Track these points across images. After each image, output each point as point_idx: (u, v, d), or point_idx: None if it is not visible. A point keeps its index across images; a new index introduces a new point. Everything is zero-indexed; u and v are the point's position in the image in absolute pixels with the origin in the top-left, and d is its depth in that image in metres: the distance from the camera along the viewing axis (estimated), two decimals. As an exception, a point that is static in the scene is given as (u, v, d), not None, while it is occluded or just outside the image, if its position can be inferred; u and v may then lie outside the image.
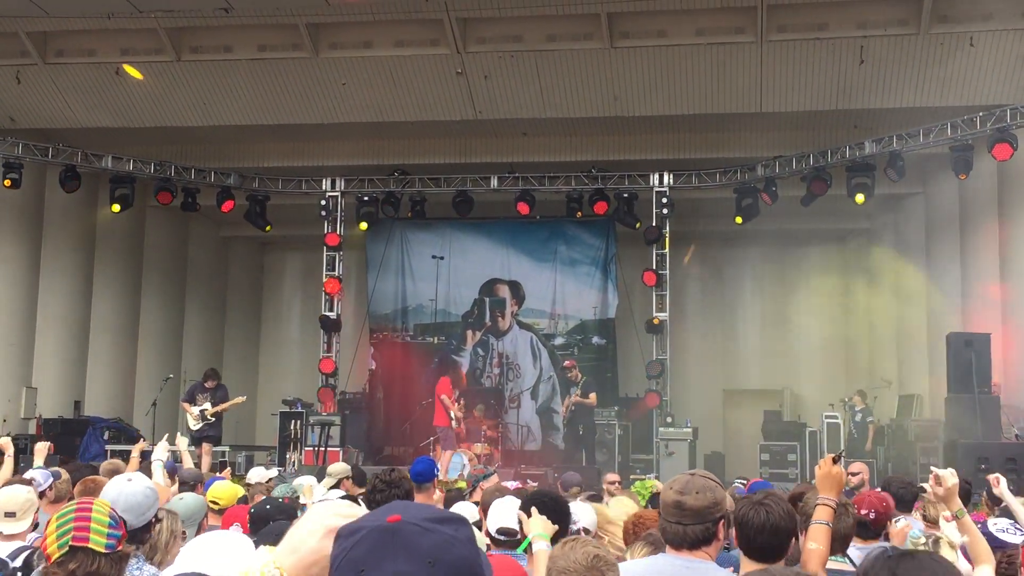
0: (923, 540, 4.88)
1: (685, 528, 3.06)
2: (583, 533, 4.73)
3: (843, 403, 18.35)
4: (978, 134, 15.61)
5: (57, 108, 18.45)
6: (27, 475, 6.74)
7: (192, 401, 15.34)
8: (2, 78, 17.79)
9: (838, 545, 4.25)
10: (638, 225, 19.04)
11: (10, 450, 8.14)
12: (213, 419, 15.51)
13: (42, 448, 8.38)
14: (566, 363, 18.21)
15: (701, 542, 3.08)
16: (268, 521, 5.30)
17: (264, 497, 6.04)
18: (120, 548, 3.15)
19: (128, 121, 18.73)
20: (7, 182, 17.34)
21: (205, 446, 15.40)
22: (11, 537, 4.80)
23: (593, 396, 17.05)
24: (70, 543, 3.04)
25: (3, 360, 18.56)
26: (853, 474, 9.06)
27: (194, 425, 15.50)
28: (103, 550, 3.06)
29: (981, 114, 15.54)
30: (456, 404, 16.25)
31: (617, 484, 9.35)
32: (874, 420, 18.15)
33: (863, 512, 4.92)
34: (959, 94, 16.54)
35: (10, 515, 4.88)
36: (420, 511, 1.65)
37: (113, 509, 3.25)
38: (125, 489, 3.94)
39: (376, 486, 4.96)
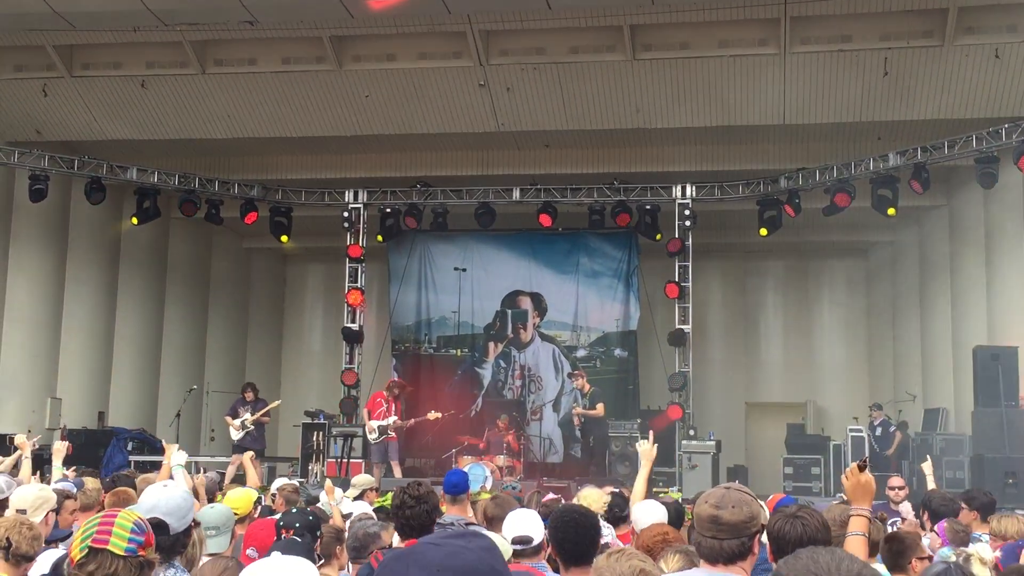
0: (953, 558, 4.84)
1: (721, 543, 3.04)
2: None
3: (867, 422, 18.18)
4: (1003, 145, 15.50)
5: (83, 121, 18.60)
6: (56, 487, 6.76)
7: (235, 415, 16.13)
8: (29, 91, 17.95)
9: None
10: (658, 237, 19.03)
11: (28, 450, 8.15)
12: (252, 428, 16.01)
13: (60, 448, 8.26)
14: (575, 371, 18.25)
15: (737, 557, 3.05)
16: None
17: (296, 510, 6.04)
18: (143, 555, 3.15)
19: (153, 133, 18.87)
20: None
21: (251, 458, 15.61)
22: None
23: (600, 407, 16.86)
24: (89, 545, 3.06)
25: (28, 371, 18.68)
26: (899, 487, 8.98)
27: (235, 436, 16.05)
28: (122, 553, 3.07)
29: (1007, 126, 15.42)
30: (385, 409, 16.42)
31: None
32: (895, 428, 18.00)
33: None
34: (984, 106, 16.44)
35: (21, 512, 4.93)
36: (441, 535, 1.84)
37: (140, 518, 3.25)
38: (163, 495, 3.96)
39: (405, 501, 4.92)
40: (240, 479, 13.04)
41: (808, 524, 3.81)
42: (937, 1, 15.36)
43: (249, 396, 16.58)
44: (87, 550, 3.05)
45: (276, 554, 2.90)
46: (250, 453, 10.51)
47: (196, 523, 4.12)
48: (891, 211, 17.03)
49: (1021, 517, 6.22)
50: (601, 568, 3.35)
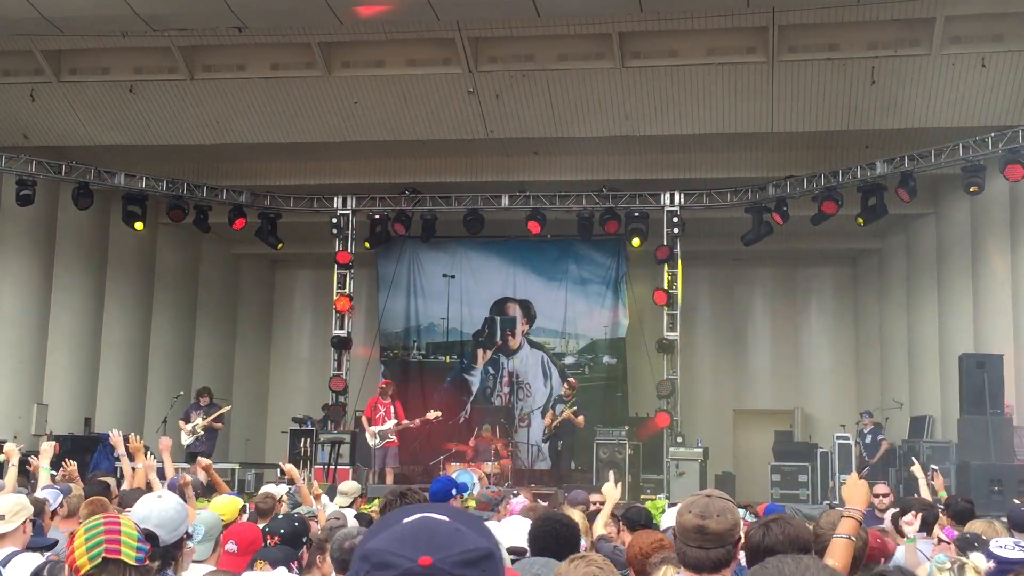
0: (948, 566, 4.86)
1: (708, 552, 3.05)
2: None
3: (856, 428, 18.18)
4: (990, 154, 15.59)
5: (71, 125, 18.55)
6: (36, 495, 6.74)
7: (187, 420, 16.03)
8: (16, 96, 17.91)
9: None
10: (636, 242, 19.04)
11: (15, 458, 8.10)
12: (203, 433, 15.91)
13: (48, 448, 8.16)
14: (570, 379, 18.27)
15: (723, 564, 3.07)
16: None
17: (282, 515, 6.03)
18: (147, 563, 3.17)
19: (141, 139, 18.83)
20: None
21: (207, 467, 15.42)
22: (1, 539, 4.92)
23: (581, 419, 17.04)
24: (103, 555, 3.05)
25: (14, 377, 18.60)
26: (884, 495, 9.00)
27: (186, 441, 15.94)
28: (133, 563, 3.07)
29: (993, 135, 15.51)
30: (383, 413, 16.34)
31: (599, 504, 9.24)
32: (885, 437, 18.03)
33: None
34: (971, 115, 16.52)
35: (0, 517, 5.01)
36: (451, 548, 1.65)
37: (139, 527, 3.25)
38: (156, 505, 3.95)
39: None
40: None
41: (786, 533, 3.82)
42: (924, 10, 15.44)
43: (204, 401, 16.51)
44: (99, 559, 3.04)
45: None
46: (204, 461, 10.37)
47: (189, 535, 4.10)
48: (859, 220, 17.20)
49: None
50: (561, 573, 3.42)
